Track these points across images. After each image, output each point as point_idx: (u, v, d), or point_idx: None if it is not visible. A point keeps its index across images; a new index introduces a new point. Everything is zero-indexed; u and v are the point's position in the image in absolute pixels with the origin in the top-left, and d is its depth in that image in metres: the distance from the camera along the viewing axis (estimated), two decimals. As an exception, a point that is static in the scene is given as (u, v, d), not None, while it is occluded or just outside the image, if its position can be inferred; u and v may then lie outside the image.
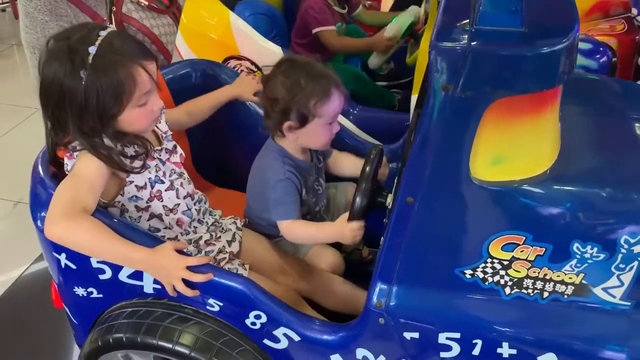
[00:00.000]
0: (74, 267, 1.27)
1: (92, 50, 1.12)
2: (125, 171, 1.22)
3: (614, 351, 1.06)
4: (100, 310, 1.34)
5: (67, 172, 1.22)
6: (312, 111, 1.37)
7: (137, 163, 1.23)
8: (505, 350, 1.09)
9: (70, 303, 1.38)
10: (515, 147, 0.99)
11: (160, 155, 1.32)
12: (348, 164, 1.64)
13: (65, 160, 1.22)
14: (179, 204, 1.34)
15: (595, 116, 1.23)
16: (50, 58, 1.15)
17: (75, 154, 1.19)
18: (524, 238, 1.03)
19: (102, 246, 1.13)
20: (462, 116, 0.95)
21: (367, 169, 1.37)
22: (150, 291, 1.26)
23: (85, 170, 1.17)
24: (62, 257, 1.26)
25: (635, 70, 2.08)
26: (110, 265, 1.24)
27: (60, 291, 1.38)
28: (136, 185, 1.26)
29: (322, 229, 1.44)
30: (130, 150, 1.23)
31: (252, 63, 2.15)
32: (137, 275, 1.24)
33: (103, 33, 1.15)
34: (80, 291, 1.31)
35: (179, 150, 1.39)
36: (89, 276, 1.27)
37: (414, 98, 2.03)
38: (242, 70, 2.19)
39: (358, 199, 1.31)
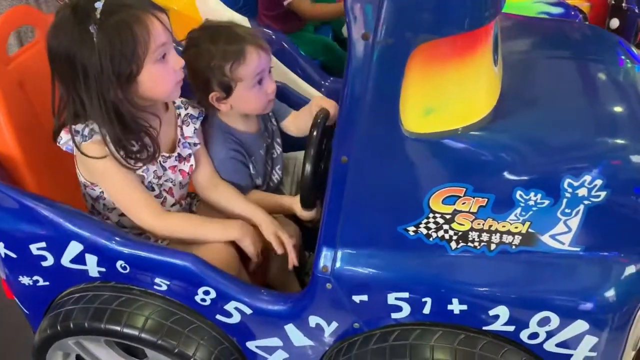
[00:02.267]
0: (14, 255, 1.23)
1: (98, 5, 1.06)
2: (124, 166, 1.17)
3: (566, 298, 1.03)
4: (50, 298, 1.31)
5: (58, 144, 1.19)
6: (230, 76, 1.31)
7: (138, 163, 1.19)
8: (455, 306, 1.06)
9: (18, 293, 1.34)
10: (446, 95, 0.94)
11: (165, 162, 1.27)
12: (303, 120, 1.54)
13: (62, 135, 1.18)
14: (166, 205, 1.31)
15: (541, 59, 1.18)
16: (55, 29, 1.10)
17: (77, 140, 1.15)
18: (465, 189, 0.99)
19: (198, 233, 1.26)
20: (386, 66, 0.90)
21: (314, 133, 1.32)
22: (96, 275, 1.23)
23: (113, 170, 1.17)
24: (1, 247, 1.22)
25: None
26: (51, 251, 1.20)
27: (7, 282, 1.34)
28: None
29: (280, 203, 1.41)
30: (135, 146, 1.18)
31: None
32: (80, 259, 1.20)
33: None
34: (25, 280, 1.27)
35: (192, 160, 1.32)
36: (32, 264, 1.23)
37: None
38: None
39: (306, 181, 1.26)
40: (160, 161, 1.26)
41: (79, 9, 1.08)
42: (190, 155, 1.32)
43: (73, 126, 1.16)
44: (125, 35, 1.07)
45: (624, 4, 1.95)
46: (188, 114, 1.33)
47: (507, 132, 0.99)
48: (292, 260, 1.32)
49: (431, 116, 0.95)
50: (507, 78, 1.07)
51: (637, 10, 2.00)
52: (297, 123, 1.57)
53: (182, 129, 1.31)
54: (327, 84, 2.17)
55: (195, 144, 1.32)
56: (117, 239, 1.17)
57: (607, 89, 1.10)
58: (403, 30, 0.87)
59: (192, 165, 1.32)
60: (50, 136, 1.41)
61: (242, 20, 2.07)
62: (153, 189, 1.27)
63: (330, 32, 2.67)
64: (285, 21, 2.37)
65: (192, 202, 1.46)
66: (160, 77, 1.13)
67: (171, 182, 1.31)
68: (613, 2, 2.00)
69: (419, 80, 0.91)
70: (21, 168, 1.33)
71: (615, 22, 2.11)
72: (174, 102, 1.32)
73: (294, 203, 1.39)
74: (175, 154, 1.29)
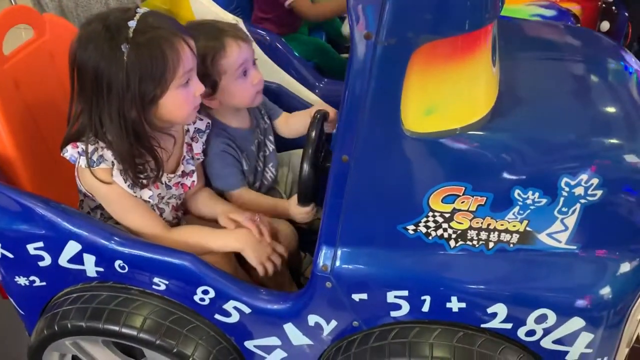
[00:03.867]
0: (11, 255, 1.22)
1: (132, 24, 1.06)
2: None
3: (562, 296, 1.04)
4: (47, 299, 1.30)
5: (63, 155, 1.18)
6: (213, 70, 1.31)
7: (141, 187, 1.19)
8: (454, 304, 1.07)
9: (14, 294, 1.33)
10: (446, 95, 0.95)
11: (170, 182, 1.27)
12: (298, 121, 1.56)
13: (68, 149, 1.16)
14: (164, 218, 1.31)
15: (537, 60, 1.19)
16: (85, 41, 1.08)
17: (82, 162, 1.14)
18: (464, 188, 1.00)
19: (202, 243, 1.23)
20: (388, 66, 0.91)
21: (312, 134, 1.33)
22: (94, 275, 1.22)
23: (117, 194, 1.17)
24: (-2, 247, 1.21)
25: None
26: (49, 251, 1.20)
27: (2, 281, 1.33)
28: None
29: (275, 203, 1.42)
30: (141, 168, 1.18)
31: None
32: (78, 259, 1.20)
33: (140, 10, 1.09)
34: (22, 280, 1.27)
35: (195, 176, 1.32)
36: (28, 264, 1.23)
37: None
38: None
39: (305, 176, 1.26)
40: (165, 182, 1.26)
41: (112, 25, 1.07)
42: (193, 171, 1.32)
43: (81, 145, 1.15)
44: (156, 58, 1.07)
45: (614, 7, 1.99)
46: (196, 128, 1.33)
47: (505, 132, 1.00)
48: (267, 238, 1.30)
49: (432, 116, 0.96)
50: (505, 78, 1.09)
51: (626, 14, 2.04)
52: (289, 123, 1.58)
53: (191, 146, 1.31)
54: (321, 85, 2.17)
55: (200, 156, 1.33)
56: (116, 238, 1.17)
57: (603, 90, 1.12)
58: (405, 30, 0.88)
59: (194, 181, 1.32)
60: (46, 136, 1.42)
61: (236, 21, 2.08)
62: (154, 209, 1.27)
63: (323, 35, 2.68)
64: (280, 24, 2.37)
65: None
66: (181, 102, 1.14)
67: (174, 197, 1.31)
68: (604, 5, 2.03)
69: (420, 80, 0.92)
70: (17, 168, 1.33)
71: (605, 25, 2.14)
72: None
73: (289, 205, 1.40)
74: (179, 172, 1.30)
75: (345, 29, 2.51)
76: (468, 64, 0.94)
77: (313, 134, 1.33)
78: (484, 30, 0.94)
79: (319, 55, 2.42)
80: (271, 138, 1.55)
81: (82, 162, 1.15)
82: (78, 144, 1.15)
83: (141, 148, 1.15)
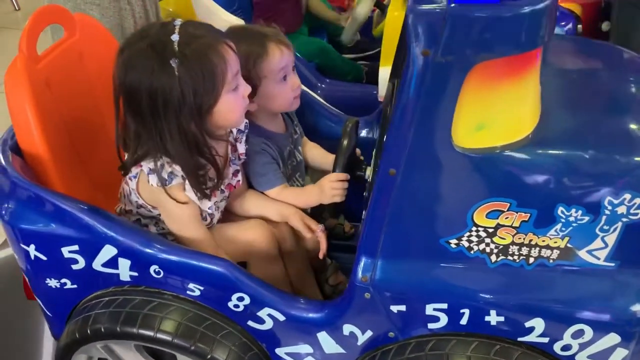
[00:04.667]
0: (44, 258, 1.21)
1: (175, 37, 1.06)
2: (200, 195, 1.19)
3: (600, 312, 1.06)
4: (76, 301, 1.30)
5: (127, 178, 1.21)
6: (254, 73, 1.31)
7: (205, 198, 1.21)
8: (493, 317, 1.08)
9: (42, 295, 1.32)
10: (497, 112, 0.96)
11: (224, 185, 1.28)
12: (316, 155, 1.58)
13: (133, 170, 1.17)
14: (213, 224, 1.32)
15: (573, 77, 1.21)
16: (130, 62, 1.07)
17: (154, 181, 1.14)
18: (509, 204, 1.01)
19: None
20: (443, 82, 0.92)
21: (345, 142, 1.34)
22: (127, 279, 1.22)
23: (188, 219, 1.21)
24: (31, 249, 1.20)
25: (597, 35, 2.09)
26: (84, 254, 1.19)
27: (30, 283, 1.32)
28: None
29: (305, 190, 1.42)
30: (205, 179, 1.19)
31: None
32: (113, 263, 1.19)
33: (177, 22, 1.09)
34: (52, 282, 1.26)
35: (239, 176, 1.33)
36: (61, 267, 1.22)
37: (382, 70, 2.00)
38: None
39: (339, 160, 1.28)
40: (220, 187, 1.27)
41: (157, 42, 1.07)
42: (237, 171, 1.33)
43: (146, 165, 1.14)
44: (206, 67, 1.07)
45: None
46: (238, 129, 1.33)
47: (551, 150, 1.01)
48: (323, 248, 1.36)
49: (481, 132, 0.97)
50: (546, 95, 1.10)
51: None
52: (311, 151, 1.59)
53: (235, 147, 1.32)
54: (323, 85, 2.19)
55: (243, 159, 1.34)
56: (153, 243, 1.16)
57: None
58: (463, 48, 0.89)
59: (239, 180, 1.33)
60: (74, 137, 1.41)
61: (238, 22, 2.07)
62: (206, 218, 1.28)
63: (325, 36, 2.68)
64: (279, 24, 2.38)
65: None
66: (232, 106, 1.14)
67: (224, 200, 1.33)
68: (604, 5, 2.04)
69: (473, 96, 0.93)
70: (48, 168, 1.31)
71: (606, 25, 2.15)
72: None
73: (321, 181, 1.39)
74: (230, 174, 1.30)
75: (346, 36, 2.51)
76: (520, 83, 0.95)
77: (345, 142, 1.34)
78: (536, 50, 0.95)
79: (321, 56, 2.42)
80: (300, 149, 1.55)
81: (153, 180, 1.14)
82: (142, 163, 1.15)
83: (202, 159, 1.15)
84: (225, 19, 2.08)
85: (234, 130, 1.32)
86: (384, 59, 2.00)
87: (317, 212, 1.57)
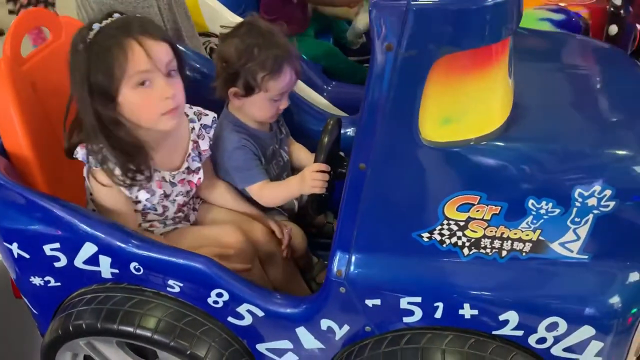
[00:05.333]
0: (27, 256, 1.23)
1: (96, 26, 1.14)
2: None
3: (574, 305, 1.06)
4: (61, 299, 1.31)
5: (76, 157, 1.22)
6: (259, 84, 1.34)
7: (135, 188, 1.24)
8: (467, 311, 1.08)
9: (28, 293, 1.34)
10: (464, 106, 0.97)
11: (174, 179, 1.30)
12: (302, 157, 1.59)
13: (78, 150, 1.21)
14: (166, 216, 1.34)
15: (548, 71, 1.21)
16: (70, 47, 1.17)
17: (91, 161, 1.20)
18: (479, 197, 1.02)
19: None
20: (408, 76, 0.92)
21: (325, 139, 1.35)
22: (109, 276, 1.24)
23: (109, 202, 1.24)
24: (14, 247, 1.22)
25: (606, 39, 2.08)
26: (65, 252, 1.21)
27: (16, 282, 1.34)
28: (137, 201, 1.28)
29: (287, 183, 1.42)
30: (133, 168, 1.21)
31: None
32: (93, 260, 1.21)
33: (116, 16, 1.16)
34: (37, 280, 1.28)
35: (201, 173, 1.35)
36: (44, 265, 1.24)
37: None
38: (211, 48, 2.15)
39: (319, 156, 1.30)
40: (169, 179, 1.29)
41: (84, 27, 1.16)
42: (199, 168, 1.34)
43: (89, 145, 1.19)
44: (105, 57, 1.12)
45: (622, 12, 1.99)
46: (202, 124, 1.35)
47: (520, 143, 1.02)
48: (285, 246, 1.41)
49: (449, 126, 0.98)
50: (519, 90, 1.10)
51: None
52: (296, 152, 1.60)
53: (197, 144, 1.33)
54: (329, 88, 2.19)
55: (207, 152, 1.35)
56: (132, 241, 1.18)
57: (616, 101, 1.13)
58: (426, 42, 0.90)
59: (200, 178, 1.34)
60: (60, 138, 1.42)
61: None
62: (156, 209, 1.30)
63: (331, 39, 2.69)
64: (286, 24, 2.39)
65: (195, 201, 1.46)
66: (138, 102, 1.16)
67: (181, 195, 1.33)
68: (612, 9, 2.04)
69: (438, 90, 0.94)
70: (33, 168, 1.33)
71: (614, 29, 2.14)
72: (187, 115, 1.34)
73: (303, 172, 1.40)
74: (184, 168, 1.32)
75: (351, 33, 2.53)
76: (486, 76, 0.96)
77: (326, 140, 1.35)
78: (503, 42, 0.95)
79: (327, 58, 2.43)
80: (286, 149, 1.57)
81: (92, 162, 1.20)
82: (86, 145, 1.20)
83: (125, 146, 1.18)
84: (232, 20, 2.10)
85: (196, 127, 1.33)
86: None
87: (303, 211, 1.59)
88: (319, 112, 1.70)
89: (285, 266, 1.46)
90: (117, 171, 1.18)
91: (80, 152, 1.21)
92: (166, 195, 1.30)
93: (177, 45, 1.25)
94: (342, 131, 1.45)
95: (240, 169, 1.39)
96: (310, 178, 1.30)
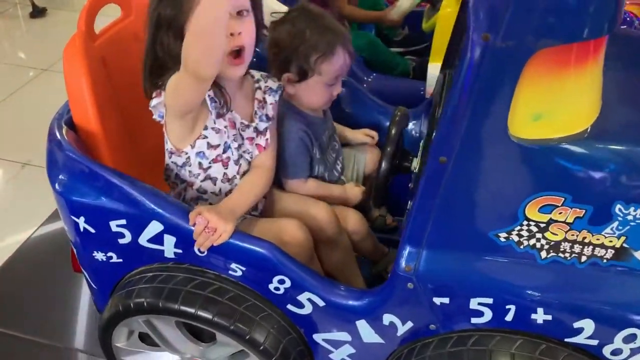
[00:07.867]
0: (93, 230, 1.24)
1: None
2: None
3: (655, 317, 1.01)
4: (121, 275, 1.32)
5: (151, 109, 1.21)
6: (313, 66, 1.31)
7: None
8: (539, 316, 1.05)
9: (89, 268, 1.35)
10: (557, 103, 0.93)
11: (243, 131, 1.29)
12: (347, 136, 1.61)
13: (155, 98, 1.20)
14: (236, 178, 1.31)
15: (636, 72, 1.16)
16: None
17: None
18: (563, 199, 0.98)
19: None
20: (503, 68, 0.89)
21: (393, 131, 1.32)
22: (172, 256, 1.23)
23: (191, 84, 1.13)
24: (81, 221, 1.23)
25: None
26: (130, 229, 1.21)
27: (78, 255, 1.35)
28: (208, 142, 1.24)
29: (330, 190, 1.43)
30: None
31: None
32: (158, 239, 1.21)
33: None
34: (99, 255, 1.28)
35: (268, 135, 1.32)
36: (109, 240, 1.24)
37: (432, 66, 1.97)
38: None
39: (388, 148, 1.29)
40: (239, 129, 1.27)
41: None
42: (266, 129, 1.32)
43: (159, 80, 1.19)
44: None
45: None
46: (268, 86, 1.33)
47: (611, 145, 0.97)
48: None
49: (539, 122, 0.94)
50: (607, 90, 1.05)
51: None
52: (341, 131, 1.60)
53: (263, 103, 1.31)
54: (369, 79, 2.16)
55: (272, 117, 1.32)
56: (198, 221, 1.17)
57: None
58: (525, 33, 0.86)
59: (267, 139, 1.32)
60: (126, 114, 1.43)
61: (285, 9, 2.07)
62: (233, 153, 1.28)
63: (373, 29, 2.65)
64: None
65: None
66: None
67: (249, 154, 1.31)
68: None
69: (532, 85, 0.90)
70: (100, 143, 1.34)
71: None
72: (252, 77, 1.33)
73: (345, 189, 1.47)
74: (254, 125, 1.30)
75: (396, 12, 2.46)
76: (583, 73, 0.92)
77: (393, 131, 1.32)
78: (602, 39, 0.91)
79: (368, 49, 2.40)
80: (336, 136, 1.55)
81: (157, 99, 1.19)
82: (161, 91, 1.18)
83: None
84: (275, 9, 2.08)
85: (262, 86, 1.31)
86: (434, 55, 1.97)
87: (360, 203, 1.56)
88: (380, 104, 1.68)
89: (347, 253, 1.44)
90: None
91: (154, 101, 1.20)
92: (238, 147, 1.28)
93: None
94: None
95: (289, 161, 1.38)
96: (354, 199, 1.42)
